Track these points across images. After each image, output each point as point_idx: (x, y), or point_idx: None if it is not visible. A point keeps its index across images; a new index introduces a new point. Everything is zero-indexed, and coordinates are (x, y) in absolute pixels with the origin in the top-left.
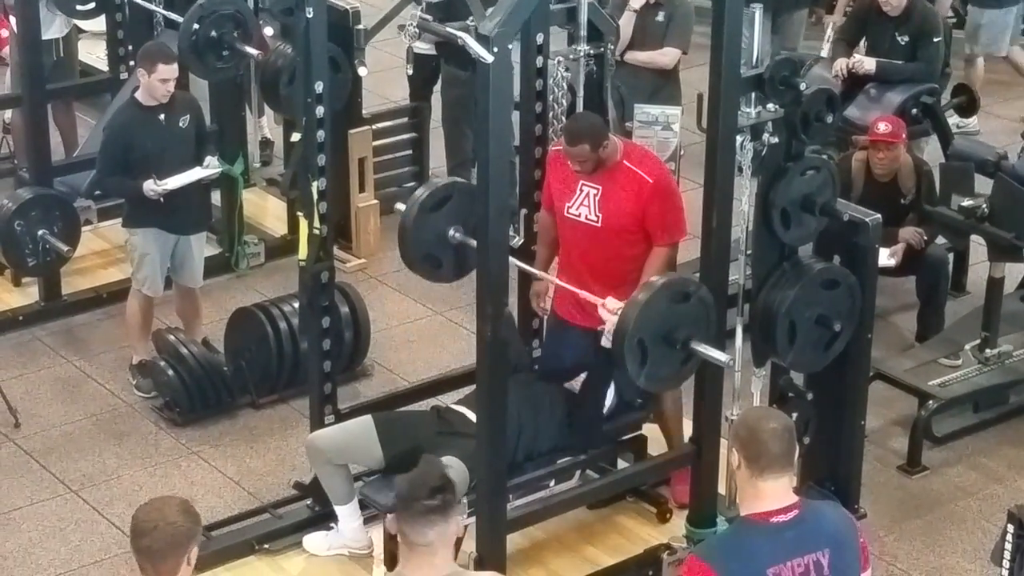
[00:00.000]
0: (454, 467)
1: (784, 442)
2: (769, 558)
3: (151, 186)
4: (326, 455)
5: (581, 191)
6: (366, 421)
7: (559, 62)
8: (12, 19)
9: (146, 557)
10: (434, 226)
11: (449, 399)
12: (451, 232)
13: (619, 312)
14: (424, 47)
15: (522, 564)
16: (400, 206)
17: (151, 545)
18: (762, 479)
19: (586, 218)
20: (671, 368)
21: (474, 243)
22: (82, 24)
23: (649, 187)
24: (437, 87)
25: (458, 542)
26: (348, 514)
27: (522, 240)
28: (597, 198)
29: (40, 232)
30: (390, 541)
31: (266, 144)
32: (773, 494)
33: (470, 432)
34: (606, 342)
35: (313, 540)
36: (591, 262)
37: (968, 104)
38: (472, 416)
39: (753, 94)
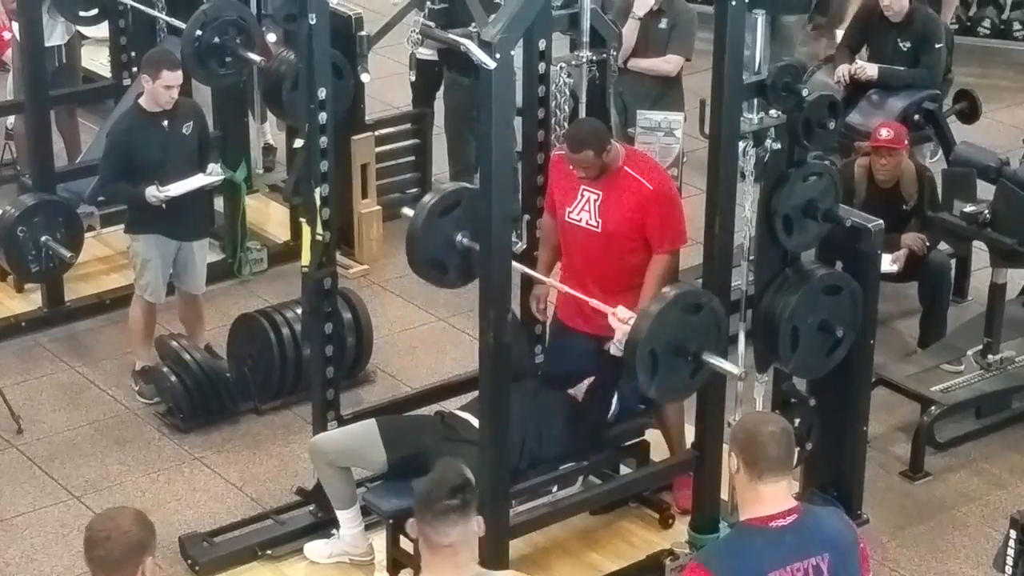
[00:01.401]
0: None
1: (782, 446)
2: (769, 562)
3: (153, 192)
4: (329, 457)
5: (582, 196)
6: (370, 424)
7: (562, 68)
8: (15, 25)
9: (100, 567)
10: (442, 231)
11: (452, 405)
12: (458, 237)
13: (630, 321)
14: (427, 53)
15: (525, 570)
16: (407, 211)
17: (105, 556)
18: (761, 483)
19: (587, 223)
20: (681, 379)
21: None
22: (85, 30)
23: (649, 194)
24: (440, 93)
25: (481, 542)
26: (349, 519)
27: (525, 246)
28: (598, 203)
29: (43, 238)
30: (393, 547)
31: (269, 150)
32: (772, 498)
33: (475, 439)
34: (616, 350)
35: (314, 548)
36: (592, 267)
37: (970, 110)
38: (476, 422)
39: (755, 100)
